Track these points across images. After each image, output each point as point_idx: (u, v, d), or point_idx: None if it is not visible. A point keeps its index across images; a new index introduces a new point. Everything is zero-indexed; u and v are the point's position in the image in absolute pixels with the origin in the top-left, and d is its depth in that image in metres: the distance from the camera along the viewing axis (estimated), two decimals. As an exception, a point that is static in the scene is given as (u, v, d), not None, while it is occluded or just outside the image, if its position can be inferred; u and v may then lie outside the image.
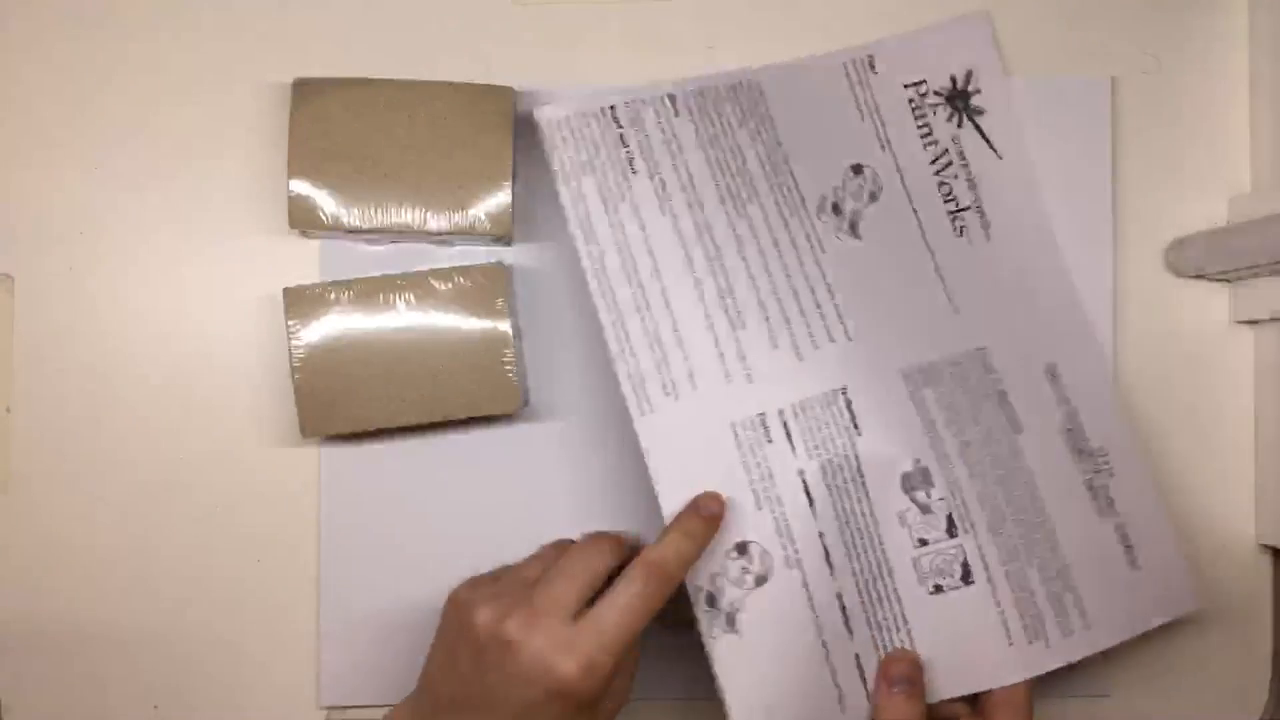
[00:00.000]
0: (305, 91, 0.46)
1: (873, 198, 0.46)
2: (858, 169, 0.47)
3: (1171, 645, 0.49)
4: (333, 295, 0.46)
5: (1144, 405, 0.49)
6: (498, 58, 0.49)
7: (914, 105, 0.48)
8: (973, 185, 0.48)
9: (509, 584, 0.42)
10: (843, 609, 0.44)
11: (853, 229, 0.46)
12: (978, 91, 0.48)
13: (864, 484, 0.44)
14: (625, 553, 0.42)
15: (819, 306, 0.45)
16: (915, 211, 0.47)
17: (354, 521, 0.48)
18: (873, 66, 0.47)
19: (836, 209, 0.46)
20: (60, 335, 0.49)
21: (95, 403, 0.49)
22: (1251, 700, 0.50)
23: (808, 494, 0.44)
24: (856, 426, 0.44)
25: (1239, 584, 0.50)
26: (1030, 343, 0.47)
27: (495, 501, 0.49)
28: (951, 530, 0.44)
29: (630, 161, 0.44)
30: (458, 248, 0.49)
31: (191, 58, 0.49)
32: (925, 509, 0.44)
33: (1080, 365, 0.48)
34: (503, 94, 0.47)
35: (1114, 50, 0.50)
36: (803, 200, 0.46)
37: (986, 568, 0.44)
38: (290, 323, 0.46)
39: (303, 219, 0.46)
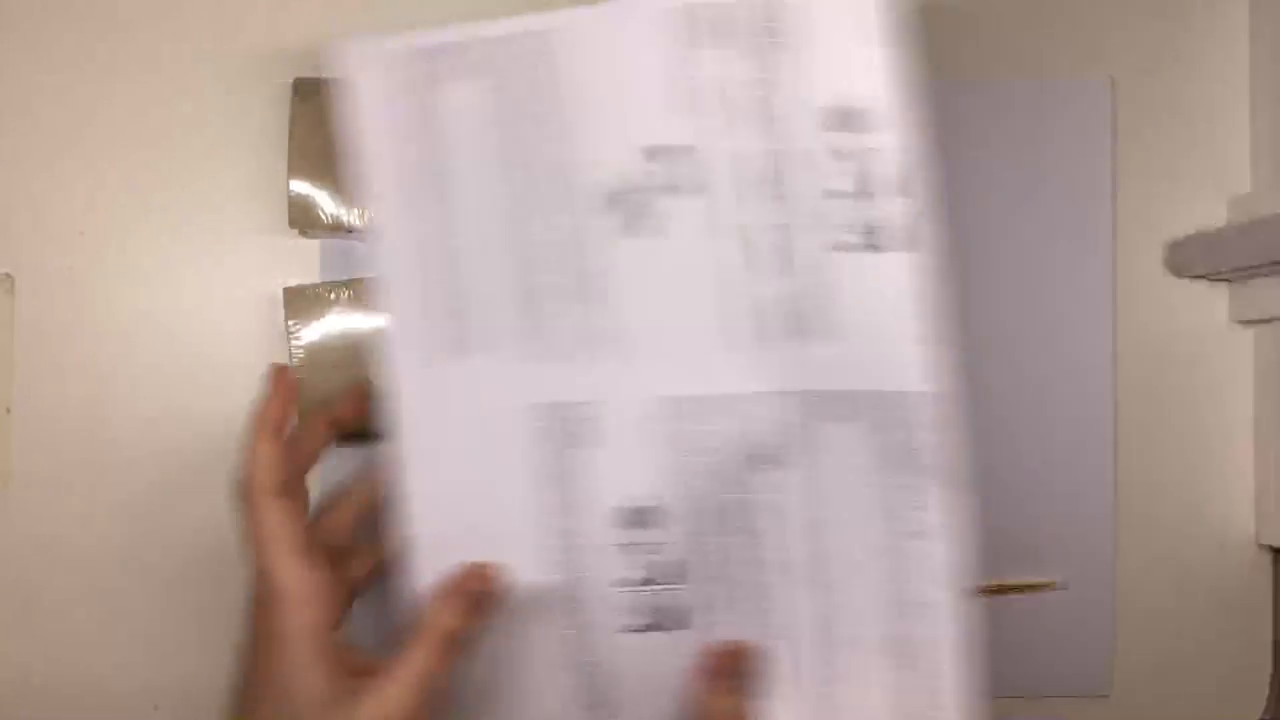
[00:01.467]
0: (305, 91, 0.46)
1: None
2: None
3: (1171, 645, 0.49)
4: (332, 295, 0.46)
5: (1144, 405, 0.49)
6: (498, 58, 0.49)
7: None
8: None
9: None
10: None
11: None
12: None
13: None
14: None
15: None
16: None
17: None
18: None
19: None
20: (60, 335, 0.49)
21: (95, 403, 0.49)
22: (1251, 700, 0.50)
23: None
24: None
25: (1239, 584, 0.50)
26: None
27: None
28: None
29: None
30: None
31: (192, 58, 0.49)
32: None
33: None
34: None
35: (1114, 50, 0.50)
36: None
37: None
38: (290, 323, 0.46)
39: (303, 219, 0.46)
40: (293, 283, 0.47)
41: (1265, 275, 0.47)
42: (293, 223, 0.46)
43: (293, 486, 0.40)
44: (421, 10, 0.49)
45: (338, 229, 0.46)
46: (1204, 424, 0.50)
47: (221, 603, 0.49)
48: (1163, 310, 0.50)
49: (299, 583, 0.37)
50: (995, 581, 0.48)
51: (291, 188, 0.46)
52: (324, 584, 0.37)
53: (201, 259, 0.49)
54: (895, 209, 0.37)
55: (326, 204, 0.46)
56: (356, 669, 0.37)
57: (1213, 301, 0.50)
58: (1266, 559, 0.50)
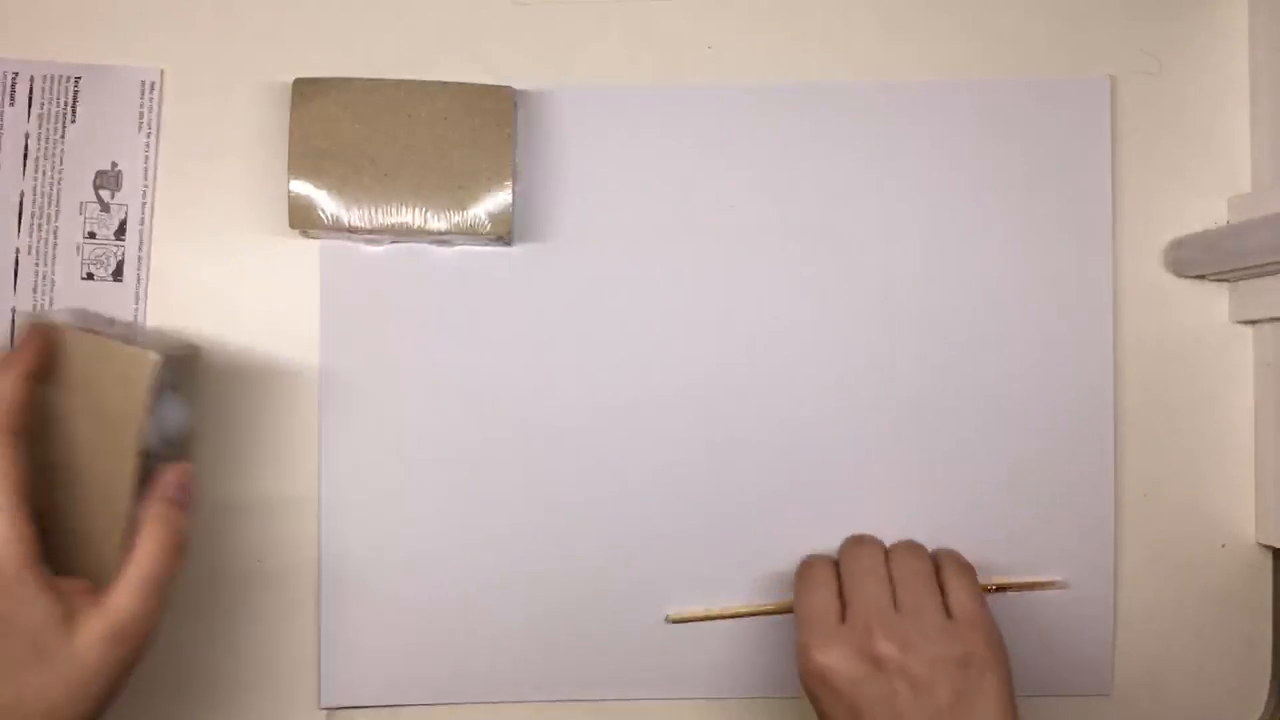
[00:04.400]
0: (305, 91, 0.46)
1: None
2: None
3: (1171, 645, 0.49)
4: None
5: (1144, 405, 0.49)
6: (498, 58, 0.49)
7: None
8: None
9: None
10: None
11: None
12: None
13: None
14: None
15: None
16: None
17: (355, 521, 0.48)
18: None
19: None
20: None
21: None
22: (1251, 700, 0.50)
23: None
24: None
25: (1239, 584, 0.50)
26: None
27: (497, 500, 0.49)
28: None
29: None
30: (458, 248, 0.49)
31: (191, 58, 0.49)
32: None
33: None
34: (503, 94, 0.47)
35: (1114, 51, 0.50)
36: None
37: None
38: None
39: (303, 219, 0.46)
40: (293, 281, 0.47)
41: (1265, 275, 0.47)
42: (293, 223, 0.46)
43: (28, 428, 0.39)
44: (421, 10, 0.49)
45: (338, 229, 0.46)
46: (1204, 424, 0.50)
47: (223, 603, 0.49)
48: (1163, 310, 0.50)
49: (15, 524, 0.37)
50: (996, 581, 0.48)
51: (291, 188, 0.46)
52: (33, 525, 0.38)
53: (201, 259, 0.49)
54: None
55: (326, 204, 0.46)
56: (77, 591, 0.38)
57: (1213, 301, 0.50)
58: (1266, 559, 0.50)
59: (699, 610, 0.48)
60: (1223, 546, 0.50)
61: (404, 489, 0.49)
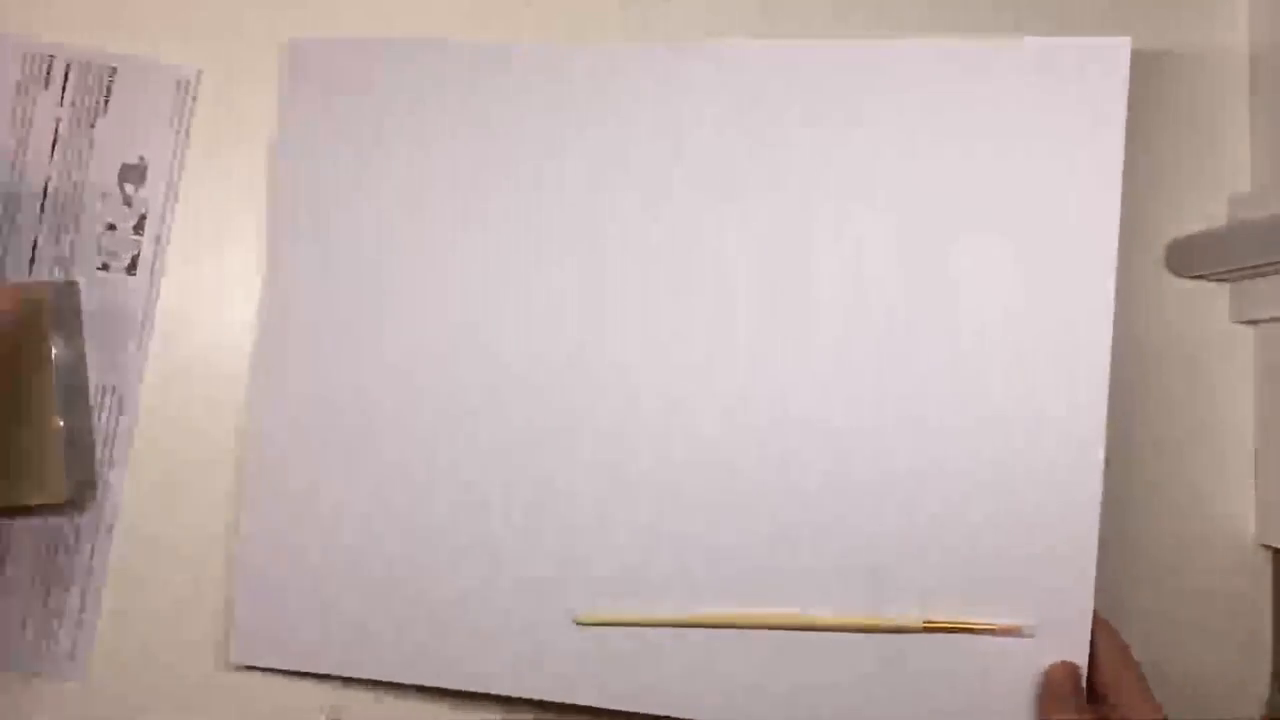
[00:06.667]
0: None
1: None
2: None
3: (1171, 645, 0.49)
4: None
5: (1144, 406, 0.49)
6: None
7: None
8: None
9: None
10: None
11: None
12: None
13: None
14: None
15: None
16: None
17: (275, 484, 0.48)
18: None
19: None
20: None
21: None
22: (1251, 700, 0.49)
23: None
24: None
25: (1239, 584, 0.49)
26: None
27: (415, 478, 0.48)
28: None
29: None
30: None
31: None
32: None
33: None
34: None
35: (1114, 51, 0.50)
36: None
37: None
38: None
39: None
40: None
41: (1265, 275, 0.47)
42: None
43: None
44: (420, 10, 0.51)
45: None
46: (1204, 424, 0.50)
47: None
48: (1163, 310, 0.50)
49: None
50: (941, 620, 0.46)
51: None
52: None
53: (216, 259, 0.51)
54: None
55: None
56: None
57: (1213, 301, 0.50)
58: (1266, 559, 0.49)
59: (609, 615, 0.46)
60: (1223, 547, 0.49)
61: (329, 457, 0.48)
